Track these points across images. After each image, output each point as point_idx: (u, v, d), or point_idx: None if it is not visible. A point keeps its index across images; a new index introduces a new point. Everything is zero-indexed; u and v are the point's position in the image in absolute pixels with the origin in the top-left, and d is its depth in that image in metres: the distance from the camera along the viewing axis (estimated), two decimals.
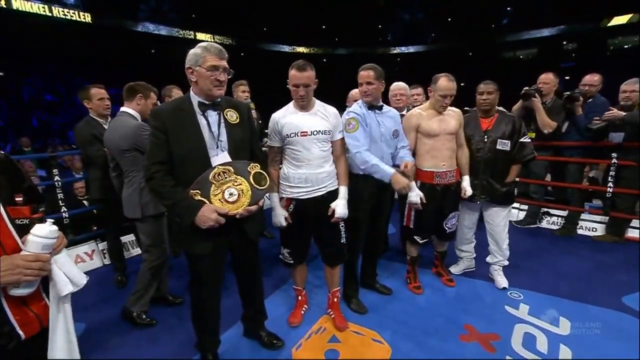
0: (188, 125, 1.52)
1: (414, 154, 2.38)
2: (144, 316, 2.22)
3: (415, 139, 2.36)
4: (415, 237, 2.47)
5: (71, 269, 1.02)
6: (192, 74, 1.50)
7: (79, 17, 14.61)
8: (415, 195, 2.28)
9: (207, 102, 1.54)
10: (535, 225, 3.85)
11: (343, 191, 1.98)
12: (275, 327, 2.10)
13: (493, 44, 20.36)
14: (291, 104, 1.96)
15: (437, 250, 2.71)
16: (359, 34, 21.84)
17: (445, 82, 2.21)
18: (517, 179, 2.50)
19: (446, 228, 2.45)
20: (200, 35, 18.12)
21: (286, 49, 22.05)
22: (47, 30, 13.79)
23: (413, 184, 2.32)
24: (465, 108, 3.21)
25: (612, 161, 3.24)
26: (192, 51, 1.49)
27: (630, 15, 16.21)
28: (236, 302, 2.00)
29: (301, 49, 22.06)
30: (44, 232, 0.93)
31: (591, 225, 3.60)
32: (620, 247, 3.29)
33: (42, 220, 0.98)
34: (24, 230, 0.96)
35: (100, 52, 14.90)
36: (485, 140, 2.40)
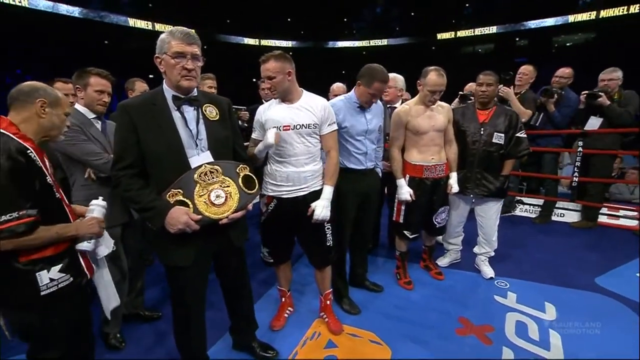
0: (161, 122, 1.33)
1: (403, 149, 2.33)
2: (118, 336, 1.98)
3: (404, 135, 2.30)
4: (405, 232, 2.43)
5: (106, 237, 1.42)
6: (160, 63, 1.31)
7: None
8: (405, 192, 2.27)
9: (182, 96, 1.36)
10: (511, 214, 4.02)
11: (327, 192, 1.83)
12: (266, 335, 1.97)
13: (454, 39, 21.23)
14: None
15: (426, 244, 2.69)
16: (325, 27, 21.76)
17: (434, 77, 2.14)
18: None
19: (436, 223, 2.42)
20: (159, 26, 17.04)
21: (249, 41, 21.44)
22: None
23: (402, 180, 2.30)
24: (461, 92, 3.22)
25: (578, 150, 3.43)
26: (160, 37, 1.30)
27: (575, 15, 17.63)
28: (222, 313, 1.83)
29: (266, 42, 21.52)
30: (102, 202, 1.34)
31: (560, 212, 3.83)
32: (593, 232, 3.53)
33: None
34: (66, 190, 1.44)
35: (45, 43, 13.50)
36: (482, 132, 2.38)
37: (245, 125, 3.03)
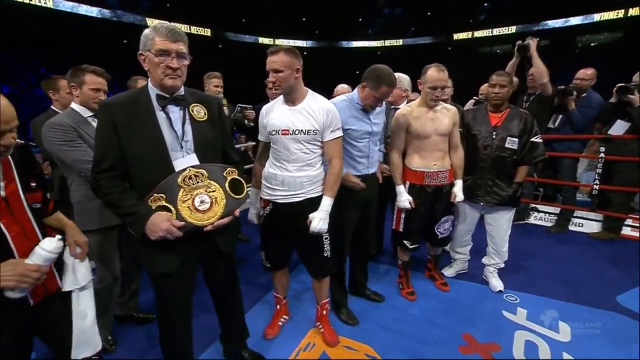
0: (144, 122, 1.26)
1: (403, 154, 2.21)
2: (109, 338, 1.94)
3: (404, 139, 2.17)
4: (404, 241, 2.30)
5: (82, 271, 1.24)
6: (144, 61, 1.25)
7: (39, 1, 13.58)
8: (404, 200, 2.15)
9: (166, 96, 1.29)
10: (524, 222, 3.82)
11: (326, 204, 1.70)
12: (259, 344, 1.90)
13: (470, 39, 20.72)
14: (281, 97, 1.74)
15: (431, 253, 2.55)
16: (340, 26, 21.65)
17: (434, 72, 2.00)
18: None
19: (438, 233, 2.28)
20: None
21: (264, 41, 21.52)
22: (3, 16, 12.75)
23: (402, 187, 2.18)
24: (475, 97, 3.06)
25: (600, 156, 3.21)
26: (143, 32, 1.23)
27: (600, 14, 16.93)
28: (214, 319, 1.76)
29: (280, 42, 21.61)
30: (51, 247, 1.04)
31: (578, 221, 3.59)
32: (616, 244, 3.28)
33: (57, 206, 1.27)
34: (38, 214, 1.12)
35: (65, 41, 13.94)
36: (494, 137, 2.23)
37: (252, 124, 2.97)
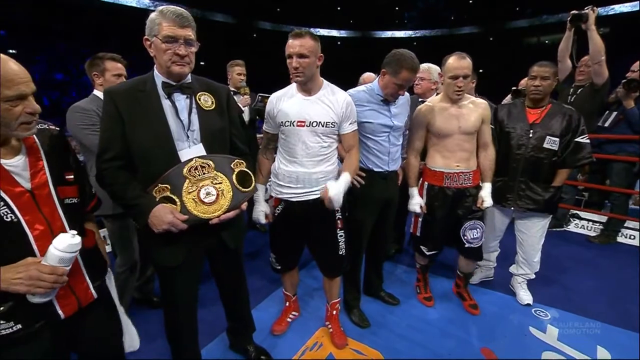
0: (149, 110, 1.22)
1: (423, 151, 2.05)
2: None
3: (424, 137, 2.00)
4: (421, 247, 2.14)
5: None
6: (149, 47, 1.20)
7: None
8: (415, 204, 2.01)
9: (173, 83, 1.24)
10: (562, 229, 3.48)
11: (345, 177, 1.60)
12: (266, 340, 1.89)
13: (516, 28, 19.24)
14: (293, 85, 1.64)
15: (462, 270, 2.26)
16: (375, 16, 20.99)
17: (454, 60, 1.80)
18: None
19: (464, 240, 2.04)
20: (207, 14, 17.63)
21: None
22: (55, 7, 13.62)
23: (415, 190, 2.03)
24: (514, 88, 2.76)
25: None
26: (149, 16, 1.18)
27: None
28: (222, 311, 1.74)
29: (314, 31, 21.38)
30: (63, 245, 0.88)
31: (629, 233, 3.21)
32: None
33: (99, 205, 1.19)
34: (71, 210, 1.00)
35: (112, 30, 14.66)
36: (531, 135, 2.00)
37: None
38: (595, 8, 2.59)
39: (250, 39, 19.59)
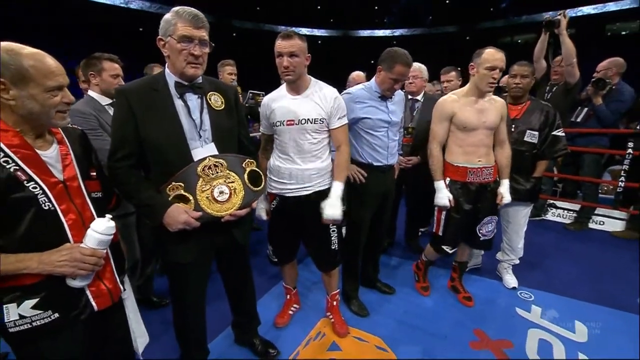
0: (162, 110, 1.24)
1: (443, 147, 2.04)
2: None
3: (448, 130, 1.97)
4: (444, 247, 2.10)
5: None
6: (163, 46, 1.22)
7: None
8: (444, 197, 1.97)
9: (185, 83, 1.27)
10: (540, 218, 3.71)
11: (337, 188, 1.65)
12: (270, 332, 1.94)
13: (491, 28, 19.94)
14: (283, 86, 1.70)
15: (457, 259, 2.29)
16: (355, 15, 21.18)
17: (493, 51, 1.78)
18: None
19: (480, 235, 2.05)
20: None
21: (282, 29, 21.31)
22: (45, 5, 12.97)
23: (442, 183, 2.01)
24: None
25: (627, 152, 3.07)
26: (164, 17, 1.20)
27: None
28: (227, 305, 1.79)
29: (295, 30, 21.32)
30: (101, 227, 0.95)
31: (599, 219, 3.47)
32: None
33: (113, 196, 1.22)
34: (98, 203, 1.06)
35: (98, 28, 14.12)
36: (512, 130, 2.13)
37: None
38: (566, 14, 2.79)
39: (231, 39, 19.34)
